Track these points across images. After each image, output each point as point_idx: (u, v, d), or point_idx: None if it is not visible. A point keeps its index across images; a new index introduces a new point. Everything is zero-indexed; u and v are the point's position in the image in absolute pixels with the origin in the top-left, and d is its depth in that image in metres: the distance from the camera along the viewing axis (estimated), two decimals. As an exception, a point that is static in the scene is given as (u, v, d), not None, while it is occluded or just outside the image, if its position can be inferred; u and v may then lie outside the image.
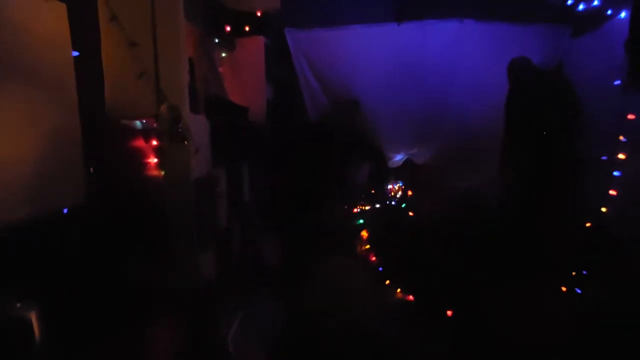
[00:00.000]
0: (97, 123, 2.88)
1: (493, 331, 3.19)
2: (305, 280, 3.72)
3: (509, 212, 4.58)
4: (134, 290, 2.60)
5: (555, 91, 4.47)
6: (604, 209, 4.21)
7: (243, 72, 5.19)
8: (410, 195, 6.25)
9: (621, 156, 4.08)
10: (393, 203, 6.17)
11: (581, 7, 4.85)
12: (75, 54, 2.60)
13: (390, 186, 6.30)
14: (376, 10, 5.46)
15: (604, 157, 4.29)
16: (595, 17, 4.76)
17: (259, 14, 5.14)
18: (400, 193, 6.31)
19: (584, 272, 3.94)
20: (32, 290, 1.90)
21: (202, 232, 3.31)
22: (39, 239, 2.15)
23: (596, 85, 4.38)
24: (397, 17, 5.40)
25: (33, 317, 1.79)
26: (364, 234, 5.25)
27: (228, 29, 4.97)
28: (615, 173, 4.12)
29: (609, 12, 4.52)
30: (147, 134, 3.05)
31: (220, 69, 4.91)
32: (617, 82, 4.16)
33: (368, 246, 5.09)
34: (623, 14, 4.29)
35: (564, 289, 3.87)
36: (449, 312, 3.66)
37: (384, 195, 6.21)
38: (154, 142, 3.07)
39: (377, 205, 5.90)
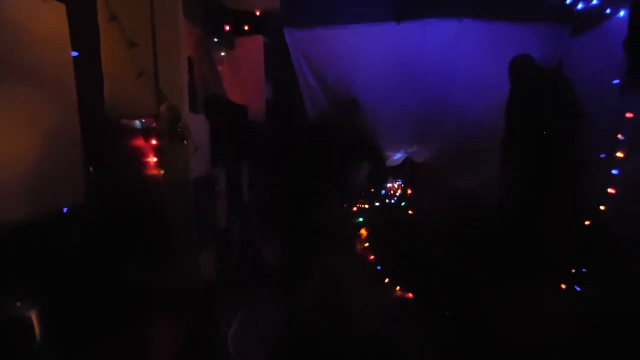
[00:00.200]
0: (96, 123, 2.88)
1: (493, 331, 3.19)
2: (305, 280, 3.72)
3: (509, 212, 4.57)
4: (134, 290, 2.60)
5: (555, 90, 4.46)
6: (602, 208, 4.22)
7: (242, 72, 5.19)
8: (410, 194, 6.25)
9: (620, 155, 4.08)
10: (393, 202, 6.17)
11: (580, 6, 4.86)
12: (75, 54, 2.60)
13: (389, 185, 6.30)
14: (376, 9, 5.45)
15: (603, 156, 4.29)
16: (594, 16, 4.76)
17: (258, 13, 5.13)
18: (399, 192, 6.31)
19: (584, 270, 3.94)
20: (32, 290, 1.90)
21: (201, 231, 3.32)
22: (39, 239, 2.15)
23: (595, 84, 4.38)
24: (396, 17, 5.39)
25: (33, 317, 1.80)
26: (364, 232, 5.25)
27: (227, 28, 4.97)
28: (614, 172, 4.13)
29: (608, 11, 4.52)
30: (146, 134, 3.06)
31: (220, 69, 4.91)
32: (616, 82, 4.16)
33: (367, 245, 5.10)
34: (622, 13, 4.29)
35: (563, 286, 3.87)
36: (447, 312, 3.66)
37: (383, 194, 6.21)
38: (154, 142, 3.07)
39: (377, 204, 5.91)
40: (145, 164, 3.07)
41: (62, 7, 2.48)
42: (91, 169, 2.77)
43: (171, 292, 2.80)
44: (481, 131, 5.40)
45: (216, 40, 4.85)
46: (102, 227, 2.68)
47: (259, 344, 3.05)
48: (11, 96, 2.10)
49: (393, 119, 5.74)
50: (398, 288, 4.22)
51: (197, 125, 3.48)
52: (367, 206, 5.77)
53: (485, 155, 5.34)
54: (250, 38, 5.20)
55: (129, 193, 2.95)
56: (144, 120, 3.07)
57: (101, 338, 2.26)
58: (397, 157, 6.16)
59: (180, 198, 3.16)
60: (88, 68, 2.76)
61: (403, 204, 6.03)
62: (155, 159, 3.08)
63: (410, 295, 4.11)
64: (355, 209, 5.66)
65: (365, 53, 5.52)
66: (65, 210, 2.45)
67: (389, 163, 6.14)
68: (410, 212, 5.76)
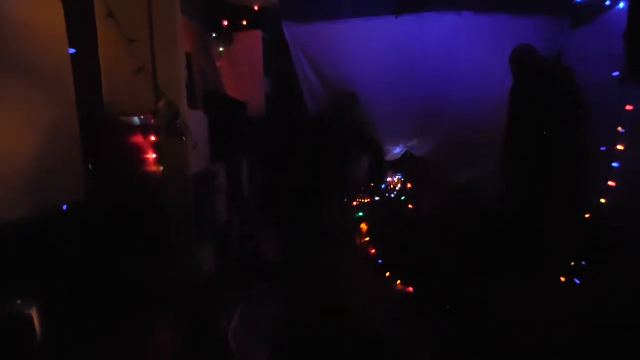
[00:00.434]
0: (95, 119, 2.88)
1: (492, 326, 3.20)
2: (305, 275, 3.72)
3: (509, 205, 4.57)
4: (134, 285, 2.61)
5: (556, 80, 4.43)
6: (603, 201, 4.22)
7: (241, 67, 5.19)
8: (410, 188, 6.25)
9: (620, 147, 4.07)
10: (392, 196, 6.17)
11: (580, -2, 4.85)
12: (73, 50, 2.60)
13: (389, 179, 6.30)
14: (374, 3, 5.44)
15: (603, 149, 4.28)
16: (594, 8, 4.74)
17: (256, 8, 5.13)
18: (399, 186, 6.31)
19: (583, 263, 3.95)
20: (32, 287, 1.91)
21: (201, 227, 3.32)
22: (38, 236, 2.16)
23: (595, 76, 4.36)
24: (395, 10, 5.37)
25: (33, 314, 1.80)
26: (364, 227, 5.26)
27: (225, 23, 4.96)
28: (614, 164, 4.12)
29: (608, 2, 4.50)
30: (145, 130, 3.06)
31: (218, 64, 4.91)
32: (615, 74, 4.15)
33: (368, 239, 5.10)
34: (622, 5, 4.26)
35: (563, 279, 3.88)
36: (447, 307, 3.66)
37: (383, 188, 6.21)
38: (152, 138, 3.07)
39: (377, 199, 5.90)
40: (144, 160, 3.07)
41: (59, 4, 2.48)
42: (90, 165, 2.77)
43: (171, 287, 2.80)
44: (481, 124, 5.39)
45: (214, 35, 4.85)
46: (102, 223, 2.68)
47: (260, 338, 3.06)
48: (9, 93, 2.10)
49: (392, 112, 5.73)
50: (399, 282, 4.23)
51: (196, 121, 3.48)
52: (366, 200, 5.77)
53: (485, 149, 5.34)
54: (248, 33, 5.19)
55: (128, 189, 2.95)
56: (142, 117, 3.07)
57: (101, 334, 2.27)
58: (397, 151, 6.16)
59: (180, 194, 3.16)
60: (86, 65, 2.76)
61: (403, 198, 6.03)
62: (154, 155, 3.08)
63: (411, 289, 4.12)
64: (355, 203, 5.66)
65: (364, 47, 5.51)
66: (64, 207, 2.45)
67: (389, 157, 6.14)
68: (410, 206, 5.76)
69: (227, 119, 4.15)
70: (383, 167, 6.12)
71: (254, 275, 4.00)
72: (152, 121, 3.05)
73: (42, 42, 2.35)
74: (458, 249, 4.28)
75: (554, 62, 5.12)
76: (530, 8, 5.22)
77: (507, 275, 3.69)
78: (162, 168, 3.10)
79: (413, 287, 4.11)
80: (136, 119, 3.07)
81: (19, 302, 1.82)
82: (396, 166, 6.25)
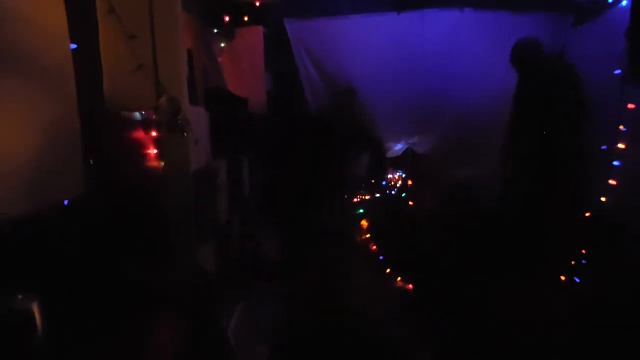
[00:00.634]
0: (96, 115, 2.88)
1: (493, 324, 3.20)
2: (305, 274, 3.73)
3: (510, 204, 4.57)
4: (134, 283, 2.61)
5: (559, 77, 4.40)
6: (603, 199, 4.21)
7: (242, 63, 5.18)
8: (411, 185, 6.25)
9: (621, 146, 4.06)
10: (393, 193, 6.17)
11: (583, -5, 4.83)
12: (74, 46, 2.59)
13: (390, 176, 6.30)
14: (376, -1, 5.44)
15: (604, 147, 4.28)
16: (596, 5, 4.73)
17: (258, 4, 5.11)
18: (400, 183, 6.31)
19: (583, 262, 3.95)
20: (32, 284, 1.91)
21: (201, 224, 3.32)
22: (39, 232, 2.16)
23: (597, 74, 4.35)
24: (396, 7, 5.36)
25: (34, 311, 1.80)
26: (364, 223, 5.26)
27: (227, 19, 4.95)
28: (615, 163, 4.11)
29: (611, 0, 4.49)
30: (146, 126, 3.05)
31: (220, 60, 4.90)
32: (617, 72, 4.13)
33: (368, 236, 5.11)
34: (625, 2, 4.25)
35: (563, 278, 3.88)
36: (447, 304, 3.66)
37: (384, 185, 6.21)
38: (154, 134, 3.07)
39: (377, 195, 5.91)
40: (145, 156, 3.06)
41: (61, 0, 2.47)
42: (91, 161, 2.77)
43: (171, 285, 2.80)
44: (482, 122, 5.39)
45: (216, 31, 4.84)
46: (102, 219, 2.68)
47: (260, 338, 3.07)
48: (10, 90, 2.09)
49: (393, 109, 5.74)
50: (399, 279, 4.24)
51: (197, 117, 3.47)
52: (367, 197, 5.77)
53: (486, 146, 5.34)
54: (250, 29, 5.18)
55: (128, 185, 2.95)
56: (143, 113, 3.06)
57: (101, 332, 2.27)
58: (398, 148, 6.16)
59: (180, 190, 3.16)
60: (87, 61, 2.75)
61: (404, 195, 6.03)
62: (155, 151, 3.08)
63: (411, 286, 4.12)
64: (355, 200, 5.67)
65: (366, 43, 5.51)
66: (65, 202, 2.45)
67: (390, 154, 6.14)
68: (410, 203, 5.76)
69: (228, 115, 4.14)
70: (384, 164, 6.12)
71: (254, 275, 4.01)
72: (154, 117, 3.04)
73: (43, 38, 2.34)
74: (458, 247, 4.28)
75: (556, 59, 5.11)
76: (532, 5, 5.21)
77: (507, 274, 3.69)
78: (163, 164, 3.10)
79: (413, 285, 4.11)
80: (137, 115, 3.06)
81: (19, 297, 1.82)
82: (397, 163, 6.25)
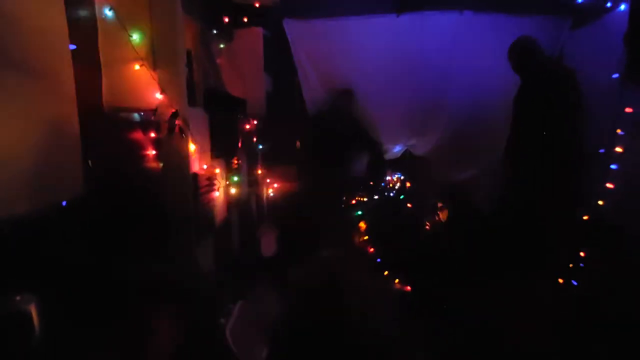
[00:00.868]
0: (95, 116, 2.87)
1: (491, 326, 3.21)
2: (303, 272, 3.73)
3: (508, 206, 4.57)
4: (133, 284, 2.61)
5: (558, 78, 4.40)
6: (601, 203, 4.22)
7: (241, 64, 5.18)
8: (409, 187, 6.26)
9: (619, 149, 4.07)
10: (391, 194, 6.18)
11: (581, -2, 4.84)
12: (73, 47, 2.59)
13: (388, 178, 6.30)
14: (375, 1, 5.43)
15: (602, 150, 4.29)
16: (595, 9, 4.74)
17: (257, 4, 5.11)
18: (398, 184, 6.32)
19: (581, 265, 3.96)
20: (31, 285, 1.91)
21: (200, 224, 3.32)
22: (37, 234, 2.15)
23: (595, 77, 4.36)
24: (396, 9, 5.37)
25: (33, 311, 1.80)
26: (362, 225, 5.26)
27: (226, 20, 4.95)
28: (613, 166, 4.12)
29: (609, 4, 4.50)
30: (145, 127, 3.05)
31: (219, 61, 4.90)
32: (615, 76, 4.15)
33: (366, 237, 5.11)
34: (623, 7, 4.27)
35: (560, 281, 3.89)
36: (445, 306, 3.67)
37: (382, 187, 6.21)
38: (152, 135, 3.07)
39: (376, 197, 5.91)
40: (143, 157, 3.07)
41: (60, 0, 2.47)
42: (90, 162, 2.77)
43: (170, 284, 2.81)
44: (481, 124, 5.40)
45: (215, 32, 4.83)
46: (101, 220, 2.68)
47: (259, 337, 3.07)
48: (8, 90, 2.09)
49: (392, 111, 5.74)
50: (397, 281, 4.24)
51: (196, 118, 3.48)
52: (365, 199, 5.77)
53: (485, 149, 5.35)
54: (249, 30, 5.18)
55: (127, 186, 2.95)
56: (142, 114, 3.06)
57: (101, 332, 2.27)
58: (396, 149, 6.16)
59: (179, 191, 3.17)
60: (86, 61, 2.75)
61: (402, 196, 6.04)
62: (153, 152, 3.08)
63: (408, 288, 4.13)
64: (353, 201, 5.67)
65: (364, 45, 5.50)
66: (63, 203, 2.45)
67: (388, 155, 6.14)
68: (409, 204, 5.77)
69: (227, 116, 4.15)
70: (382, 166, 6.12)
71: (252, 275, 4.01)
72: (152, 118, 3.05)
73: (42, 38, 2.34)
74: (456, 248, 4.29)
75: (555, 61, 5.12)
76: (531, 8, 5.22)
77: (505, 275, 3.69)
78: (161, 165, 3.10)
79: (411, 286, 4.12)
80: (136, 116, 3.07)
81: (18, 298, 1.82)
82: (395, 165, 6.26)
